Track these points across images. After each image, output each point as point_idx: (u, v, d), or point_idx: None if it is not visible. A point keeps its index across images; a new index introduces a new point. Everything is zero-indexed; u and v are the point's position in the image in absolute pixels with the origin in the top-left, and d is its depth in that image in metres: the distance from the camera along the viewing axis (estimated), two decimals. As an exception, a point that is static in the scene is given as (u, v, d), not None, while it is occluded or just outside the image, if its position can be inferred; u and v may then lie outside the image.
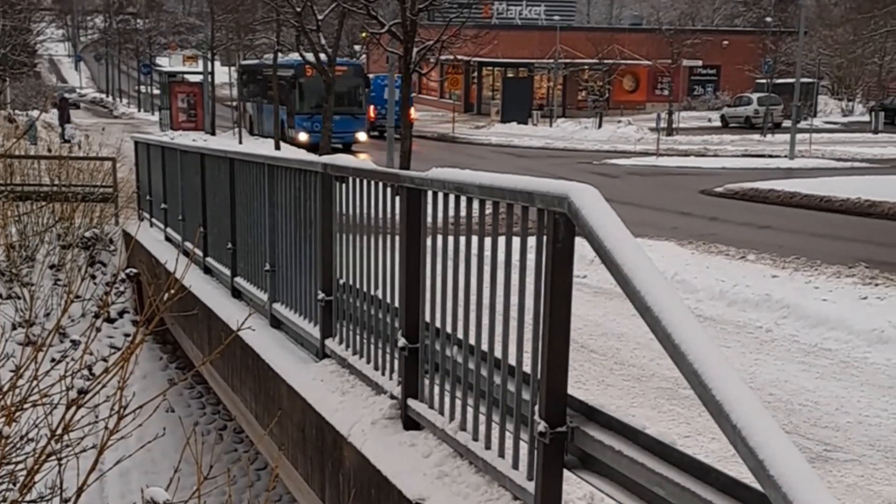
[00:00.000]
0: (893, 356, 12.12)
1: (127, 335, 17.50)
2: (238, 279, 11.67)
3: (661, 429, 5.21)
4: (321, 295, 8.31)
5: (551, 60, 78.73)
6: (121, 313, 18.66)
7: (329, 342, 8.36)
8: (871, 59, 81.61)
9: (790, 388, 10.94)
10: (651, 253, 19.15)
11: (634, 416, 4.96)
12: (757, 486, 3.25)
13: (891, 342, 12.45)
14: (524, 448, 5.11)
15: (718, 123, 75.41)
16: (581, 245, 4.67)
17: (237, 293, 11.75)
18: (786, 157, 46.98)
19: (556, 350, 4.79)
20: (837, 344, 12.78)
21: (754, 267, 18.06)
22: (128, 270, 18.43)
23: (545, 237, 4.76)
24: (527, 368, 5.11)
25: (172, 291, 6.15)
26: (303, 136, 51.04)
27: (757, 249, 20.22)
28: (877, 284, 16.34)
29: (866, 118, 72.57)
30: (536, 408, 4.89)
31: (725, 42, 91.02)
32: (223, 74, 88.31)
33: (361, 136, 51.99)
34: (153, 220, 18.66)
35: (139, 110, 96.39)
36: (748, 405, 3.38)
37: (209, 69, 64.51)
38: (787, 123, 58.45)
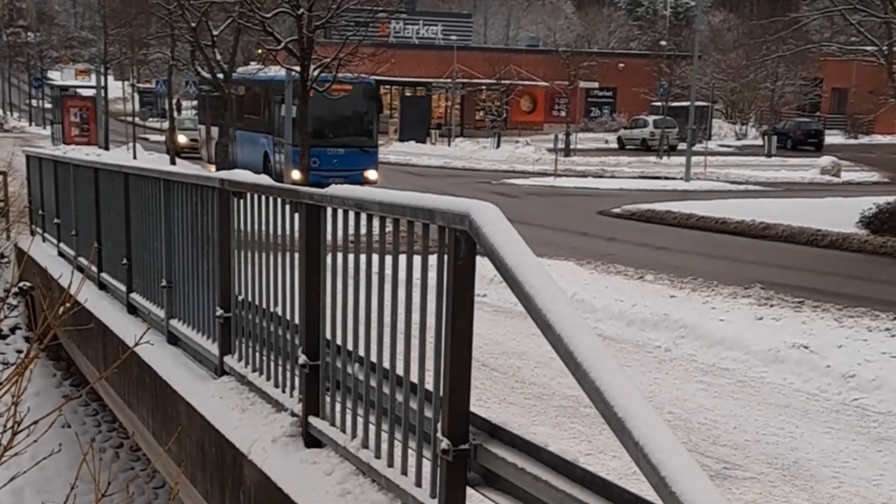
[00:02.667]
0: (789, 376, 12.27)
1: (19, 351, 17.15)
2: (134, 295, 11.49)
3: (564, 446, 5.19)
4: (219, 311, 8.20)
5: (449, 80, 79.19)
6: (13, 329, 18.29)
7: (228, 359, 8.24)
8: (764, 84, 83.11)
9: (689, 407, 11.02)
10: (551, 273, 19.32)
11: (537, 434, 4.94)
12: (659, 502, 3.22)
13: (786, 362, 12.60)
14: (427, 466, 5.06)
15: (615, 145, 76.33)
16: (481, 264, 4.65)
17: (133, 309, 11.56)
18: (681, 179, 47.62)
19: (459, 367, 4.75)
20: (735, 363, 12.90)
21: (652, 287, 18.21)
22: (20, 285, 18.08)
23: (446, 255, 4.74)
24: (429, 386, 5.08)
25: (67, 306, 6.00)
26: (296, 175, 37.45)
27: (655, 270, 20.42)
28: (772, 305, 16.57)
29: (760, 142, 73.87)
30: (439, 425, 4.86)
31: (621, 65, 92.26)
32: (117, 89, 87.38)
33: (372, 174, 37.68)
34: (46, 234, 18.29)
35: (31, 124, 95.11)
36: (650, 422, 3.37)
37: (102, 84, 63.59)
38: (682, 146, 59.37)
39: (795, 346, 13.01)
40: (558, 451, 4.50)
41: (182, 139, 58.63)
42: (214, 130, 47.27)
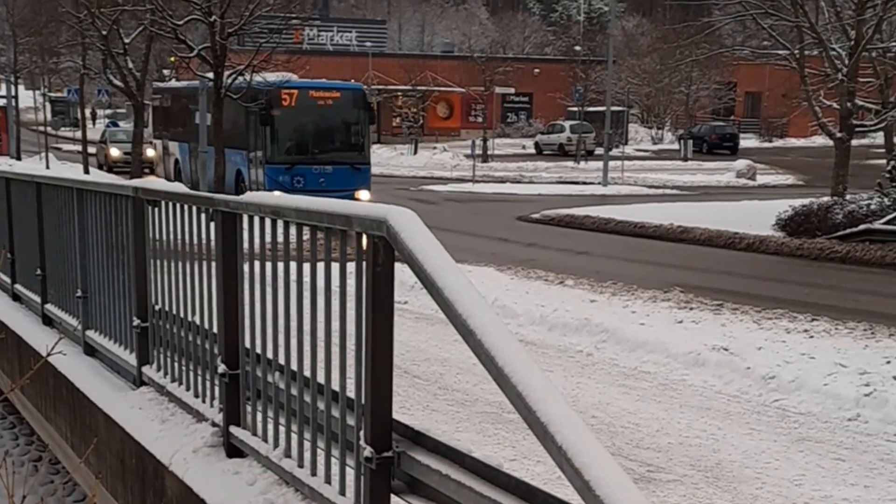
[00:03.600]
0: (710, 378, 12.34)
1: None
2: (49, 306, 11.28)
3: (487, 452, 5.16)
4: (136, 321, 8.07)
5: (365, 86, 79.07)
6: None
7: (146, 369, 8.12)
8: (679, 88, 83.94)
9: (612, 411, 11.03)
10: (471, 278, 19.34)
11: (460, 441, 4.92)
12: (584, 506, 3.21)
13: (707, 364, 12.67)
14: (351, 474, 5.01)
15: (532, 150, 76.59)
16: (401, 270, 4.61)
17: (49, 320, 11.35)
18: (599, 183, 47.91)
19: (380, 375, 4.71)
20: (656, 367, 12.95)
21: (573, 292, 18.26)
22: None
23: (365, 261, 4.70)
24: (352, 394, 5.02)
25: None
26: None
27: (575, 275, 20.48)
28: (691, 308, 16.67)
29: (675, 146, 74.52)
30: (362, 433, 4.80)
31: (537, 70, 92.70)
32: (28, 98, 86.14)
33: (364, 194, 32.50)
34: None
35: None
36: (573, 427, 3.36)
37: (13, 93, 62.67)
38: (599, 151, 59.71)
39: (716, 348, 13.08)
40: (482, 456, 4.49)
41: (115, 153, 55.69)
42: (174, 146, 42.40)
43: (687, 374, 12.60)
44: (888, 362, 12.49)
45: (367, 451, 4.71)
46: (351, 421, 5.11)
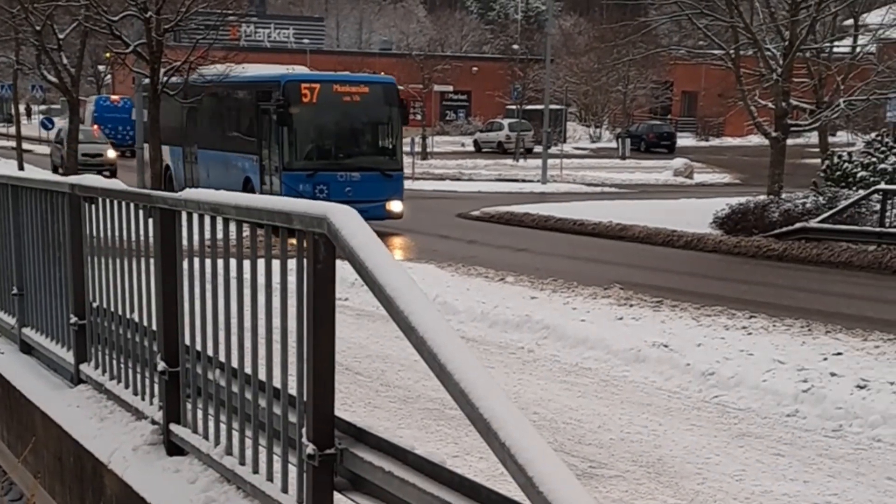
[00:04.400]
0: (650, 374, 12.38)
1: None
2: (-17, 305, 11.10)
3: (430, 449, 5.13)
4: (74, 319, 7.98)
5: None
6: None
7: (84, 367, 8.02)
8: (616, 87, 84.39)
9: (554, 407, 11.04)
10: (412, 276, 19.32)
11: (403, 437, 4.90)
12: (527, 502, 3.23)
13: (647, 361, 12.71)
14: (294, 471, 4.98)
15: (472, 148, 76.70)
16: (342, 267, 4.58)
17: (-17, 319, 11.17)
18: (538, 181, 48.00)
19: (322, 372, 4.70)
20: (597, 363, 12.97)
21: (514, 289, 18.27)
22: None
23: (305, 258, 4.70)
24: (293, 391, 4.98)
25: None
26: None
27: (515, 271, 20.51)
28: (631, 305, 16.74)
29: (613, 144, 74.90)
30: (304, 430, 4.78)
31: (475, 68, 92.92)
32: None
33: (396, 205, 28.87)
34: None
35: None
36: (516, 423, 3.38)
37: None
38: (538, 149, 59.87)
39: (656, 345, 13.12)
40: (425, 453, 4.48)
41: (112, 154, 48.52)
42: (165, 150, 35.41)
43: (628, 370, 12.63)
44: (825, 359, 12.59)
45: (310, 449, 4.69)
46: (293, 418, 5.07)
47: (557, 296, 17.43)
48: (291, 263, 4.85)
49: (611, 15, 62.54)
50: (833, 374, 11.55)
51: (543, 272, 20.70)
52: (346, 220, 4.48)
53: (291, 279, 4.76)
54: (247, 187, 29.61)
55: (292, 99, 27.81)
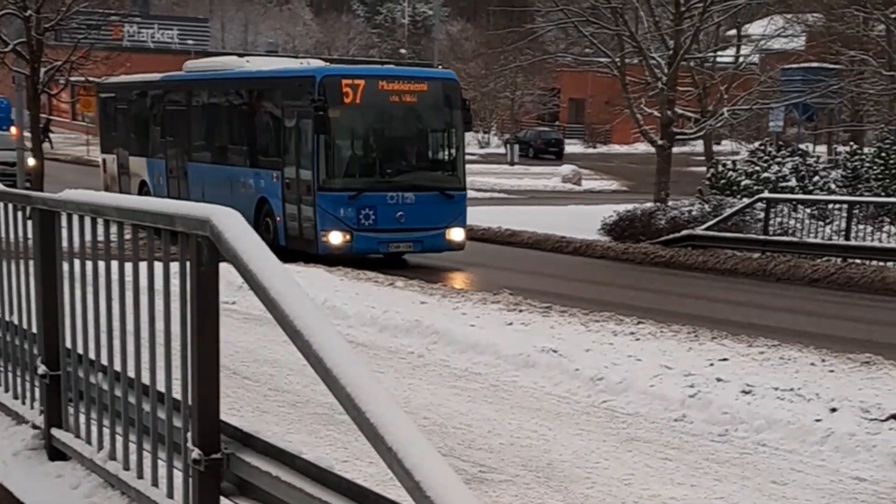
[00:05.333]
0: (540, 379, 12.37)
1: None
2: None
3: (319, 454, 5.07)
4: (-55, 321, 7.72)
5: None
6: None
7: (-40, 372, 7.77)
8: (504, 94, 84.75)
9: (444, 412, 11.01)
10: (300, 279, 18.89)
11: (291, 442, 4.84)
12: (415, 507, 3.19)
13: (537, 366, 12.71)
14: (179, 476, 4.89)
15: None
16: (230, 271, 4.52)
17: None
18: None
19: (207, 376, 4.65)
20: (487, 368, 12.95)
21: (403, 293, 18.22)
22: None
23: (189, 261, 4.65)
24: (178, 395, 4.90)
25: None
26: (337, 237, 22.97)
27: (405, 276, 20.44)
28: (521, 311, 16.76)
29: (502, 150, 75.22)
30: (189, 435, 4.71)
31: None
32: None
33: (458, 233, 23.96)
34: None
35: None
36: (403, 428, 3.38)
37: None
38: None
39: (545, 350, 13.13)
40: (313, 458, 4.45)
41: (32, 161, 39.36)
42: (137, 163, 31.21)
43: (517, 375, 12.62)
44: (711, 364, 12.71)
45: (195, 454, 4.61)
46: (178, 422, 4.98)
47: (447, 301, 17.41)
48: (175, 266, 4.79)
49: (497, 21, 62.80)
50: (719, 380, 11.64)
51: (433, 277, 20.68)
52: (229, 222, 4.44)
53: (176, 282, 4.69)
54: (261, 211, 24.58)
55: (332, 99, 22.36)
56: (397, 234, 23.12)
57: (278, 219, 23.96)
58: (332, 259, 22.34)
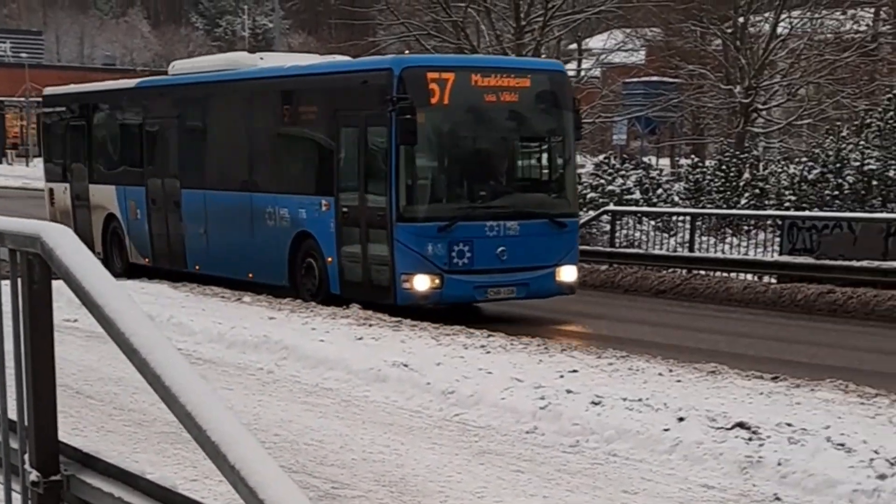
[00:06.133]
0: (391, 394, 12.33)
1: None
2: None
3: (167, 473, 4.93)
4: None
5: (23, 98, 76.57)
6: None
7: None
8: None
9: (295, 428, 10.89)
10: (144, 296, 18.60)
11: (138, 462, 4.69)
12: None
13: (388, 380, 12.65)
14: (18, 499, 4.71)
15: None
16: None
17: None
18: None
19: (43, 395, 4.52)
20: (338, 383, 12.86)
21: (251, 309, 18.05)
22: None
23: (20, 279, 4.52)
24: (14, 415, 4.73)
25: None
26: (423, 282, 17.95)
27: (252, 292, 20.19)
28: (371, 325, 16.67)
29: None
30: (27, 456, 4.55)
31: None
32: None
33: (570, 273, 19.20)
34: None
35: None
36: (246, 445, 3.35)
37: None
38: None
39: (396, 364, 13.07)
40: (158, 478, 4.36)
41: None
42: (103, 192, 25.28)
43: (369, 390, 12.55)
44: (561, 376, 12.76)
45: (33, 476, 4.47)
46: (15, 444, 4.80)
47: (296, 316, 17.25)
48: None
49: (340, 34, 62.62)
50: (569, 392, 11.68)
51: (281, 292, 20.46)
52: (61, 240, 4.33)
53: (7, 300, 4.60)
54: (299, 249, 19.72)
55: (417, 98, 17.29)
56: (498, 276, 18.24)
57: (329, 259, 18.92)
58: (339, 300, 18.48)
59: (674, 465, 9.62)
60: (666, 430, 10.13)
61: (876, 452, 9.07)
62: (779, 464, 9.12)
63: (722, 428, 10.05)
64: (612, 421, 10.59)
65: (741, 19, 39.63)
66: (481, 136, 19.09)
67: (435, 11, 35.61)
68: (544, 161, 19.95)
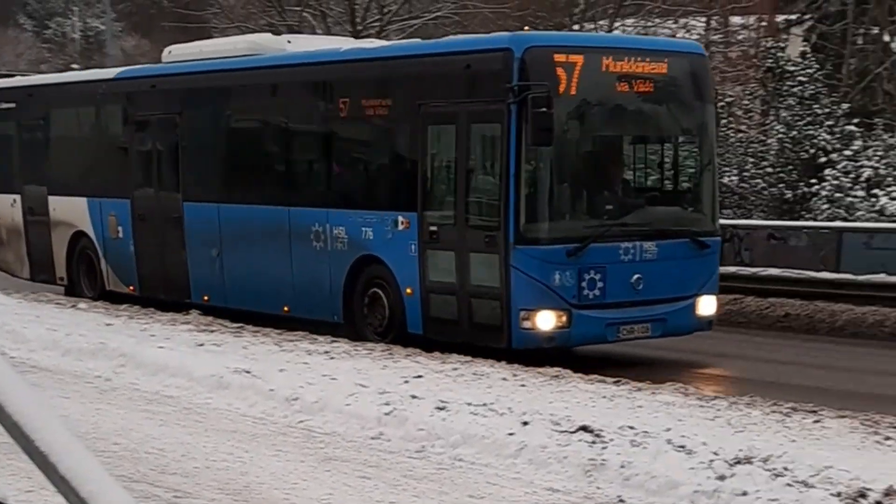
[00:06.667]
0: (234, 401, 12.18)
1: None
2: None
3: (1, 484, 4.72)
4: None
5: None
6: None
7: None
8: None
9: (136, 437, 10.68)
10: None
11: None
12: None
13: (231, 387, 12.50)
14: None
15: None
16: None
17: None
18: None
19: None
20: (179, 391, 12.66)
21: (87, 315, 17.73)
22: None
23: None
24: None
25: None
26: (547, 320, 14.32)
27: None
28: (212, 331, 16.56)
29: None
30: None
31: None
32: None
33: (709, 304, 15.63)
34: None
35: None
36: (77, 455, 3.23)
37: None
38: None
39: (238, 371, 12.94)
40: None
41: None
42: (67, 204, 21.36)
43: (211, 397, 12.38)
44: (406, 381, 12.75)
45: None
46: None
47: (134, 322, 17.00)
48: None
49: (175, 37, 61.69)
50: (414, 397, 11.65)
51: (117, 298, 20.06)
52: None
53: None
54: (358, 276, 16.26)
55: (551, 82, 13.97)
56: (632, 311, 14.99)
57: (408, 290, 15.45)
58: (419, 340, 15.34)
59: (519, 469, 9.63)
60: (511, 434, 10.13)
61: (716, 454, 9.17)
62: (622, 466, 9.17)
63: (566, 431, 10.08)
64: (457, 426, 10.56)
65: (576, 27, 40.20)
66: (613, 136, 15.96)
67: (270, 15, 35.55)
68: (683, 165, 16.59)
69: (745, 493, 8.26)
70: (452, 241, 14.89)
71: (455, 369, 13.81)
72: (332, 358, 14.52)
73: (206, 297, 18.71)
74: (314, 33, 34.51)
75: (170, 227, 19.18)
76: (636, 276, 14.63)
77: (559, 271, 14.20)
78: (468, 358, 14.59)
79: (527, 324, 14.23)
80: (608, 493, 8.91)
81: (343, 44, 19.33)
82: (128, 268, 20.16)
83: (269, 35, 20.95)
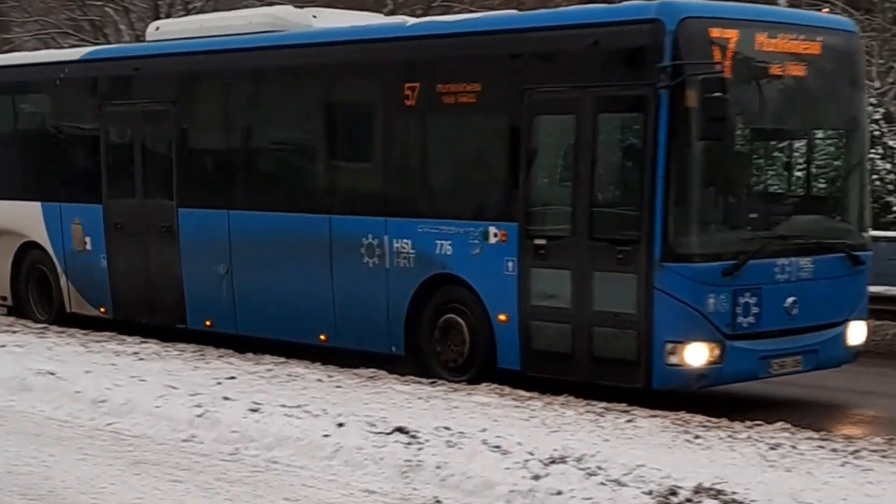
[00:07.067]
0: (38, 403, 11.87)
1: None
2: None
3: None
4: None
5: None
6: None
7: None
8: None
9: (-71, 442, 10.27)
10: None
11: None
12: None
13: (34, 389, 12.23)
14: None
15: None
16: None
17: None
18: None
19: None
20: (-22, 394, 12.30)
21: None
22: None
23: None
24: None
25: None
26: (699, 354, 11.78)
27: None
28: (15, 332, 16.32)
29: None
30: None
31: None
32: None
33: (859, 332, 13.03)
34: None
35: None
36: None
37: None
38: None
39: (42, 372, 12.68)
40: None
41: None
42: (15, 210, 18.41)
43: (13, 399, 12.04)
44: (219, 383, 12.69)
45: None
46: None
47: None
48: None
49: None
50: (227, 398, 11.54)
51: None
52: None
53: None
54: (430, 299, 13.69)
55: (701, 65, 11.49)
56: (784, 341, 12.51)
57: (500, 317, 12.95)
58: (511, 377, 12.91)
59: (335, 471, 9.55)
60: (326, 435, 10.07)
61: (531, 454, 9.25)
62: (438, 467, 9.18)
63: (382, 433, 10.07)
64: (271, 428, 10.48)
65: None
66: (768, 129, 13.38)
67: (71, 9, 34.91)
68: (837, 164, 14.20)
69: (559, 493, 8.31)
70: (569, 258, 12.39)
71: (269, 370, 13.78)
72: (141, 359, 14.35)
73: (208, 322, 16.15)
74: (116, 28, 33.93)
75: (158, 239, 16.37)
76: (791, 300, 12.30)
77: (714, 294, 11.80)
78: (282, 359, 14.53)
79: (673, 359, 11.77)
80: (425, 494, 8.90)
81: (373, 20, 16.65)
82: (98, 287, 17.19)
83: (290, 8, 16.63)
